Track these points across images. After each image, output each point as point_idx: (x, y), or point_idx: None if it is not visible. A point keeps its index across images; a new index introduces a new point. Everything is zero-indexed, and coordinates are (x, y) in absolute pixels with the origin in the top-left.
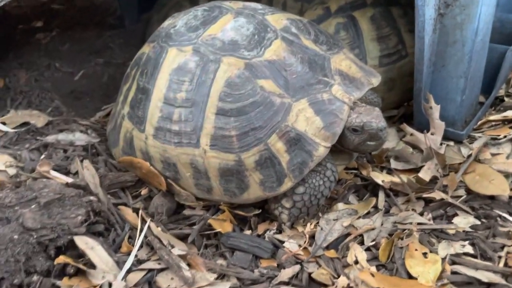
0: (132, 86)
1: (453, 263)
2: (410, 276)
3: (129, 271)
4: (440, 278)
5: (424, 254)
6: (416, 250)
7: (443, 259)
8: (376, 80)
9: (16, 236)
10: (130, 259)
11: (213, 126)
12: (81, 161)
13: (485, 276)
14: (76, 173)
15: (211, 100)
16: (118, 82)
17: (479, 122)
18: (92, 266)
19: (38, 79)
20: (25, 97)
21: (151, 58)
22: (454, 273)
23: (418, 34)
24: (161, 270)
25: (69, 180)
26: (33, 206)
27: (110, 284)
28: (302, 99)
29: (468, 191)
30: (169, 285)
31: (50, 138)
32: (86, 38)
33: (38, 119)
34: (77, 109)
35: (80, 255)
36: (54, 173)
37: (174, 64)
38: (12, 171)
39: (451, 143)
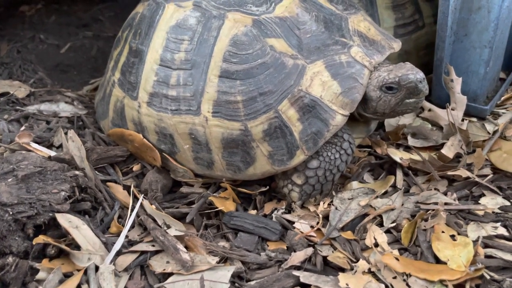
0: (123, 49)
1: (486, 246)
2: (438, 261)
3: (118, 253)
4: (473, 262)
5: (452, 236)
6: (443, 232)
7: (474, 242)
8: (397, 45)
9: None
10: (120, 240)
11: (216, 90)
12: (66, 133)
13: None
14: (60, 146)
15: (214, 61)
16: (108, 55)
17: (502, 98)
18: (76, 247)
19: (21, 50)
20: (6, 68)
21: (145, 17)
22: (488, 257)
23: None
24: (155, 252)
25: (52, 153)
26: (9, 180)
27: (96, 268)
28: (317, 61)
29: (494, 170)
30: (164, 269)
31: (32, 109)
32: (74, 11)
33: (19, 89)
34: (63, 82)
35: (62, 235)
36: (34, 145)
37: (172, 21)
38: None
39: (473, 119)
